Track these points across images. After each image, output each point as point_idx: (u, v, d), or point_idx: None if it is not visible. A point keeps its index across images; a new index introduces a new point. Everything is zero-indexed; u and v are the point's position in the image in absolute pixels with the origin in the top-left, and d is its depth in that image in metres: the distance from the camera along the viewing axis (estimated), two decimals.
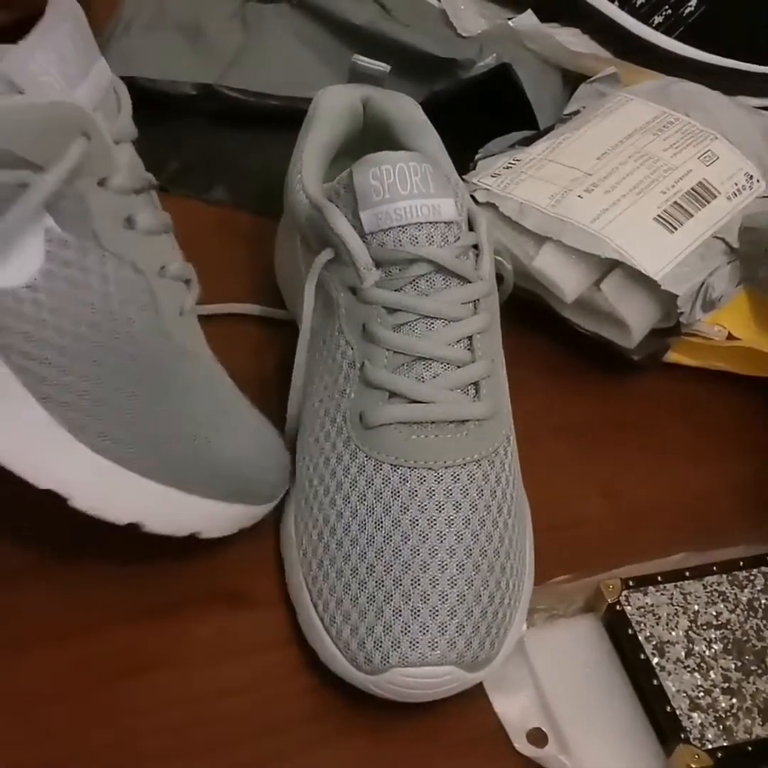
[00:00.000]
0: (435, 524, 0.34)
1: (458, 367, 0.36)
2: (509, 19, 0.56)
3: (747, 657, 0.37)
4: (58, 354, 0.32)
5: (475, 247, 0.38)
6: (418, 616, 0.33)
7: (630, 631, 0.37)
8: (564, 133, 0.50)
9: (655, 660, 0.36)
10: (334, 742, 0.35)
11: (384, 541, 0.34)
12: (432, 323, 0.36)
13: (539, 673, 0.37)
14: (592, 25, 0.58)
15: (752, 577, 0.39)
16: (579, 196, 0.46)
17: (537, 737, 0.35)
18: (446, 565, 0.34)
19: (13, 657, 0.35)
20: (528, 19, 0.56)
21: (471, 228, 0.38)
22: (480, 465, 0.36)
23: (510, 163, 0.49)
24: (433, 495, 0.35)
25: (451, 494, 0.35)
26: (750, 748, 0.35)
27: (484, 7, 0.59)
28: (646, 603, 0.38)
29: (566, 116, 0.54)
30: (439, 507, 0.35)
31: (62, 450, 0.32)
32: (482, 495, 0.35)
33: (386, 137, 0.45)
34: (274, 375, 0.44)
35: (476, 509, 0.35)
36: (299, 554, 0.37)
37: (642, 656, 0.36)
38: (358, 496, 0.35)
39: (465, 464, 0.35)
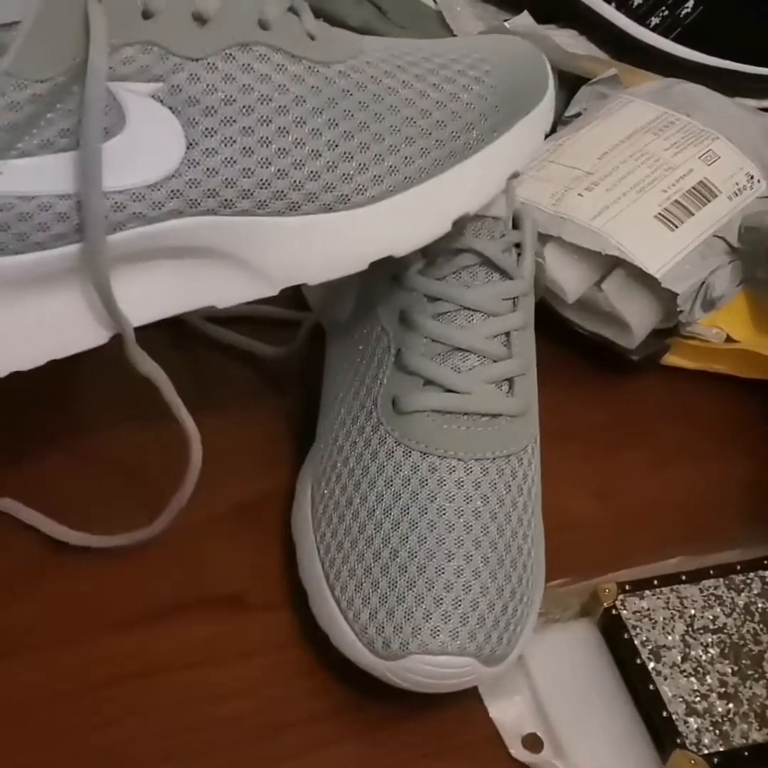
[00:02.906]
0: (462, 515, 0.34)
1: (494, 361, 0.36)
2: (506, 20, 0.56)
3: (744, 661, 0.37)
4: None
5: (518, 246, 0.38)
6: (441, 604, 0.33)
7: (626, 636, 0.37)
8: (565, 135, 0.50)
9: (652, 664, 0.36)
10: (332, 745, 0.34)
11: (409, 528, 0.34)
12: (472, 315, 0.36)
13: (535, 678, 0.36)
14: (588, 26, 0.58)
15: (749, 581, 0.39)
16: (579, 194, 0.46)
17: (533, 742, 0.35)
18: (472, 556, 0.34)
19: (11, 660, 0.35)
20: (524, 20, 0.56)
21: (515, 226, 0.38)
22: (509, 461, 0.36)
23: None
24: (463, 486, 0.35)
25: (479, 487, 0.35)
26: (747, 753, 0.34)
27: (481, 9, 0.59)
28: (642, 607, 0.38)
29: (568, 118, 0.54)
30: (468, 498, 0.35)
31: None
32: (510, 490, 0.35)
33: None
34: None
35: (503, 504, 0.35)
36: (317, 538, 0.36)
37: (638, 661, 0.36)
38: (385, 482, 0.35)
39: (495, 458, 0.35)
